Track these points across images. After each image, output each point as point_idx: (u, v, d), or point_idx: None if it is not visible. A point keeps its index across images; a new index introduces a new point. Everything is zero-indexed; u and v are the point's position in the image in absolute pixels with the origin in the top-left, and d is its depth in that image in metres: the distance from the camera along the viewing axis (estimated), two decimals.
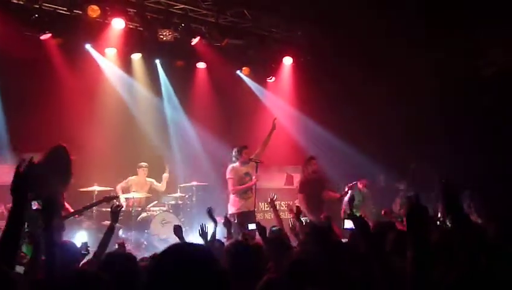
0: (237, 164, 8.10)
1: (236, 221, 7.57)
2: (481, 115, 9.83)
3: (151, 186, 9.73)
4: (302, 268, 2.97)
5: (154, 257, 1.68)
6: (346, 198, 10.37)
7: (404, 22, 8.95)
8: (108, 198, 6.60)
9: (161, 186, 9.88)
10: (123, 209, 9.06)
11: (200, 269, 1.54)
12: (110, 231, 4.68)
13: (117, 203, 6.39)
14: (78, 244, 4.50)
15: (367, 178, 10.45)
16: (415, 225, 2.49)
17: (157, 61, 10.75)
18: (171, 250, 1.61)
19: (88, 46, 9.65)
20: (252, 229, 5.20)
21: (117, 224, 8.43)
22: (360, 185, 10.47)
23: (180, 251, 1.62)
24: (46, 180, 5.52)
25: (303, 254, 3.19)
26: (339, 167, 10.68)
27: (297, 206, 6.36)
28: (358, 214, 8.07)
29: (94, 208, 7.92)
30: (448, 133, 10.06)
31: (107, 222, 6.49)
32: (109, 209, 5.08)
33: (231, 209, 7.96)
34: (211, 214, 5.41)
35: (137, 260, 4.09)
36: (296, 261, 3.08)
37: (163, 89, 11.02)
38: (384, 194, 10.71)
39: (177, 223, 8.95)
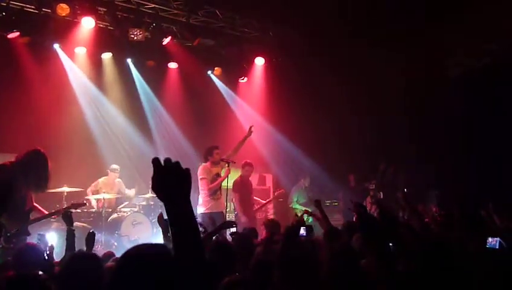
0: (208, 164, 8.05)
1: (205, 221, 7.56)
2: (447, 116, 10.05)
3: (120, 189, 9.63)
4: (265, 268, 3.00)
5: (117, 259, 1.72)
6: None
7: (371, 22, 9.09)
8: (76, 205, 6.41)
9: (129, 191, 9.75)
10: (93, 210, 9.07)
11: (159, 270, 1.57)
12: (71, 235, 4.74)
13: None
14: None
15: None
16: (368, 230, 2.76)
17: (129, 60, 10.63)
18: (132, 252, 1.64)
19: (57, 47, 9.51)
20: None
21: (87, 225, 8.43)
22: (302, 182, 10.61)
23: (141, 253, 1.64)
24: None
25: (267, 254, 3.22)
26: (307, 167, 10.81)
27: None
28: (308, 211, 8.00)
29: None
30: (414, 133, 10.26)
31: (77, 223, 6.43)
32: (78, 211, 5.04)
33: (200, 210, 7.92)
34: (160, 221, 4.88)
35: (112, 259, 4.12)
36: (260, 262, 3.11)
37: (138, 88, 10.85)
38: (354, 194, 10.87)
39: (148, 224, 9.08)
